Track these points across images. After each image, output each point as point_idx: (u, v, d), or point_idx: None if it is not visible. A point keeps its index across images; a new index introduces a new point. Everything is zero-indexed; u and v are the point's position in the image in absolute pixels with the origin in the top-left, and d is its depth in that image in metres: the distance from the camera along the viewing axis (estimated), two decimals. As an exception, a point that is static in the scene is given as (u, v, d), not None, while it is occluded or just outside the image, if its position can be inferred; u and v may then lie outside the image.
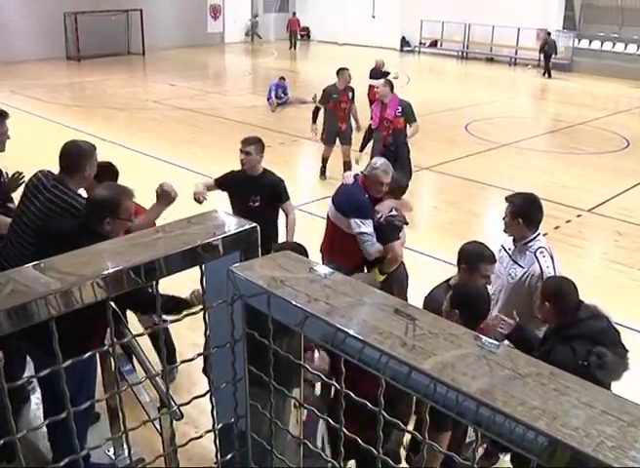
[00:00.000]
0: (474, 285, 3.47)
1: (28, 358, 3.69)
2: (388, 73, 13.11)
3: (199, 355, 1.07)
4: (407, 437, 3.28)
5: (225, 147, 5.13)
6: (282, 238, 4.98)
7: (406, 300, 1.80)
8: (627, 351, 3.26)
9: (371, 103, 11.15)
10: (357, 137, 9.22)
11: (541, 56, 21.85)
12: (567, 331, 3.30)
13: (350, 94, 9.43)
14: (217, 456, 1.15)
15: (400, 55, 26.47)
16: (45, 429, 3.34)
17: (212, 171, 5.45)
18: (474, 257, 3.58)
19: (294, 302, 0.86)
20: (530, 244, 3.94)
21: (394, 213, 4.74)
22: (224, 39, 29.46)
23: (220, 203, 5.16)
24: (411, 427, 1.24)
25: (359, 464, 3.08)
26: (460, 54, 26.19)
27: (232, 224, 1.06)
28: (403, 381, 0.74)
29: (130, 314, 4.24)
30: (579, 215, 8.76)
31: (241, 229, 1.04)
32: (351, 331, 0.79)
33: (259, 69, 23.41)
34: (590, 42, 22.85)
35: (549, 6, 23.24)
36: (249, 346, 1.00)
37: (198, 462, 3.06)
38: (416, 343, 0.76)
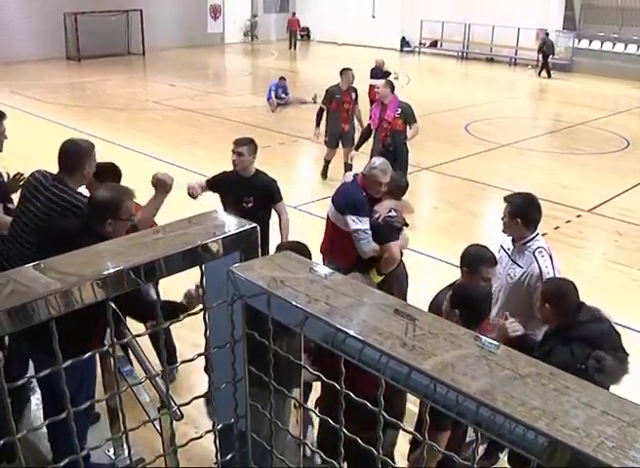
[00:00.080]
0: (475, 285, 3.47)
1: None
2: (389, 73, 13.11)
3: (199, 355, 1.07)
4: (401, 436, 3.28)
5: (226, 148, 5.12)
6: (273, 239, 4.94)
7: (405, 301, 1.80)
8: (628, 355, 3.25)
9: (371, 103, 11.13)
10: (359, 138, 9.21)
11: (539, 56, 21.86)
12: (567, 333, 3.30)
13: (353, 94, 9.38)
14: (217, 457, 1.15)
15: (400, 55, 26.47)
16: (45, 429, 3.34)
17: (212, 171, 5.44)
18: (475, 260, 3.59)
19: (294, 303, 0.86)
20: (529, 244, 3.95)
21: (393, 214, 4.73)
22: (224, 39, 29.46)
23: (218, 202, 5.17)
24: (411, 427, 1.24)
25: (351, 465, 3.07)
26: (460, 54, 26.19)
27: (232, 224, 1.06)
28: (403, 382, 0.74)
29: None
30: (579, 216, 8.76)
31: (241, 229, 1.04)
32: (351, 332, 0.79)
33: (259, 69, 23.42)
34: (590, 42, 22.85)
35: (549, 6, 23.24)
36: (249, 346, 1.00)
37: (198, 462, 3.06)
38: (416, 343, 0.76)
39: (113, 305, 3.30)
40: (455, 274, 3.93)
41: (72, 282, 0.88)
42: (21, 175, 4.32)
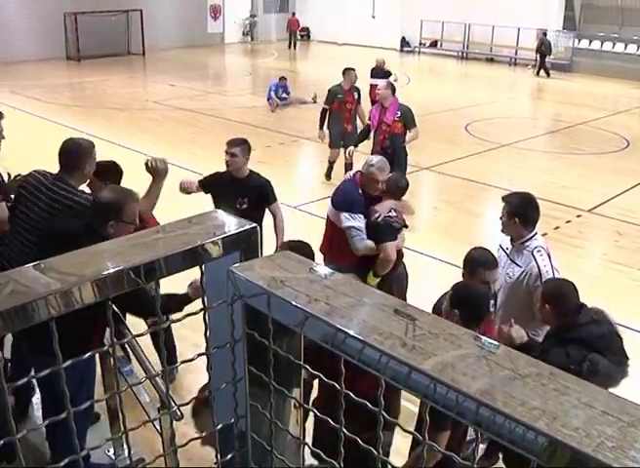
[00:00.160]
0: (474, 285, 3.47)
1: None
2: (390, 72, 13.10)
3: (199, 355, 1.07)
4: (402, 437, 3.28)
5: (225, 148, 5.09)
6: (267, 239, 4.93)
7: (405, 301, 1.80)
8: (628, 359, 3.25)
9: (372, 102, 11.12)
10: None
11: (537, 56, 21.86)
12: (565, 334, 3.30)
13: (356, 94, 9.31)
14: (217, 457, 1.15)
15: (400, 55, 26.47)
16: (44, 429, 3.34)
17: (212, 171, 5.43)
18: (474, 262, 3.60)
19: (294, 303, 0.86)
20: (527, 243, 3.96)
21: (393, 214, 4.72)
22: (224, 39, 29.46)
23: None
24: (411, 427, 1.24)
25: (347, 465, 3.06)
26: (459, 54, 26.19)
27: (232, 224, 1.06)
28: (403, 382, 0.74)
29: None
30: (579, 216, 8.76)
31: (241, 229, 1.04)
32: (351, 332, 0.79)
33: (258, 69, 23.42)
34: (590, 42, 22.85)
35: (549, 6, 23.24)
36: (249, 346, 1.00)
37: (198, 462, 3.06)
38: (416, 343, 0.76)
39: (115, 307, 3.32)
40: (455, 274, 3.94)
41: (72, 282, 0.88)
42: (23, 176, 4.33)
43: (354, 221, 4.65)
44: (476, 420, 0.68)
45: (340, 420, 0.92)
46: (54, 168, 3.87)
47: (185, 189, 5.02)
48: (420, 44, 27.37)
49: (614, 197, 9.49)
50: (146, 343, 3.95)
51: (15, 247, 3.73)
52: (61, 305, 0.86)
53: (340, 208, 4.75)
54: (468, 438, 3.13)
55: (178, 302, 3.18)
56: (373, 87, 12.16)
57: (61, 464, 0.96)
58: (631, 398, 0.68)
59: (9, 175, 4.46)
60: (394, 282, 4.82)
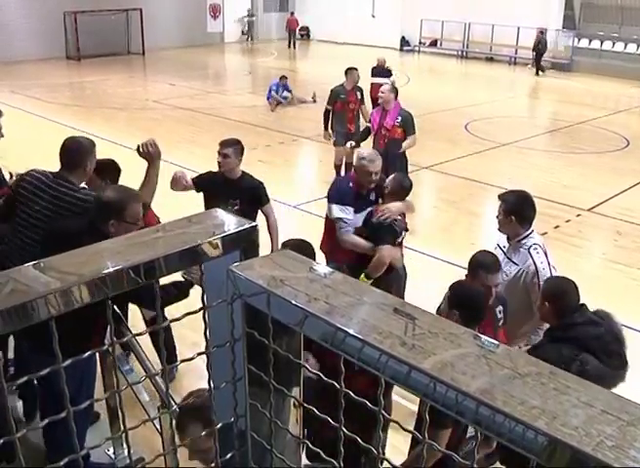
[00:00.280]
0: (471, 284, 3.48)
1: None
2: (391, 71, 13.10)
3: (199, 354, 1.07)
4: (402, 436, 3.28)
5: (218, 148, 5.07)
6: (260, 241, 4.90)
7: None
8: (626, 364, 3.25)
9: (373, 101, 11.08)
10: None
11: (534, 54, 21.88)
12: (561, 333, 3.31)
13: (359, 94, 9.23)
14: (216, 456, 1.15)
15: (400, 54, 26.48)
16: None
17: (212, 170, 5.43)
18: (476, 265, 3.60)
19: (293, 302, 0.86)
20: (523, 241, 3.98)
21: (399, 217, 4.71)
22: (224, 39, 29.46)
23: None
24: (410, 426, 1.24)
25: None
26: (459, 53, 26.20)
27: (232, 224, 1.06)
28: (403, 380, 0.74)
29: (131, 313, 4.25)
30: (578, 215, 8.77)
31: (241, 228, 1.04)
32: (351, 331, 0.79)
33: (258, 69, 23.42)
34: (590, 41, 22.86)
35: (549, 5, 23.24)
36: (248, 345, 1.00)
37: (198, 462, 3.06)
38: (415, 343, 0.76)
39: (116, 306, 3.30)
40: (455, 274, 3.94)
41: (72, 281, 0.88)
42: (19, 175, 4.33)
43: (342, 213, 4.71)
44: (476, 419, 0.68)
45: (339, 419, 0.92)
46: (53, 167, 3.87)
47: (178, 179, 4.92)
48: (420, 43, 27.38)
49: (613, 196, 9.49)
50: (146, 342, 3.95)
51: (15, 245, 3.73)
52: (61, 304, 0.86)
53: (331, 199, 4.83)
54: (468, 435, 3.14)
55: (180, 287, 3.20)
56: (374, 86, 12.16)
57: (61, 463, 0.96)
58: (631, 397, 0.68)
59: (10, 175, 4.46)
60: (393, 282, 4.82)
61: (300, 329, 0.87)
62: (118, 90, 17.64)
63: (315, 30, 30.53)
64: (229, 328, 1.00)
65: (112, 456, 3.93)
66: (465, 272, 3.70)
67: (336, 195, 4.83)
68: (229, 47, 28.82)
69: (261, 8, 30.54)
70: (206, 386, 1.10)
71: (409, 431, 0.92)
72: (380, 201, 4.87)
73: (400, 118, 7.61)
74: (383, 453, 0.94)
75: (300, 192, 9.30)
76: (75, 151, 3.77)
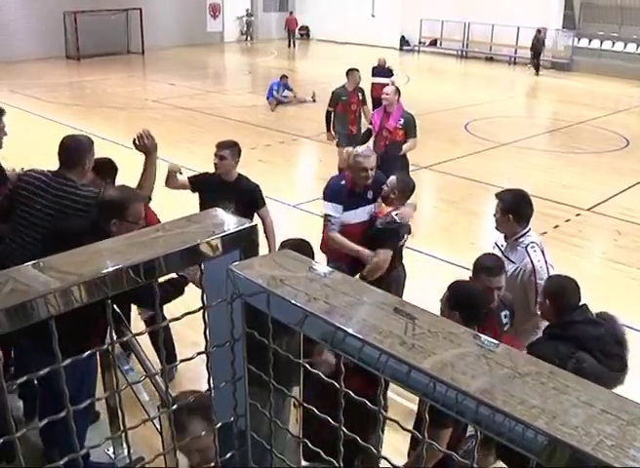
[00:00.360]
0: (469, 283, 3.48)
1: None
2: (392, 70, 13.10)
3: (199, 354, 1.07)
4: (401, 436, 3.27)
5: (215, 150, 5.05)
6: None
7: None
8: (626, 367, 3.25)
9: (373, 101, 11.06)
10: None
11: (531, 53, 21.89)
12: (559, 330, 3.31)
13: (360, 95, 9.17)
14: (216, 456, 1.15)
15: (400, 54, 26.47)
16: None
17: (211, 170, 5.42)
18: (477, 267, 3.60)
19: (293, 301, 0.85)
20: (521, 239, 3.99)
21: (404, 221, 4.70)
22: (224, 38, 29.46)
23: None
24: (410, 425, 1.24)
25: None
26: (459, 53, 26.19)
27: (232, 223, 1.06)
28: (402, 380, 0.74)
29: (132, 313, 4.25)
30: (578, 215, 8.77)
31: (241, 228, 1.04)
32: (351, 330, 0.79)
33: (258, 68, 23.41)
34: (590, 41, 22.86)
35: (549, 5, 23.25)
36: (248, 345, 1.00)
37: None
38: (415, 342, 0.76)
39: (116, 305, 3.29)
40: (454, 274, 3.94)
41: (72, 281, 0.88)
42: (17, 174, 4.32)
43: (331, 211, 4.79)
44: (476, 419, 0.68)
45: (339, 419, 0.92)
46: (53, 166, 3.88)
47: (172, 169, 4.89)
48: (420, 43, 27.38)
49: (613, 196, 9.49)
50: (146, 342, 3.95)
51: (17, 245, 3.72)
52: (61, 304, 0.86)
53: (323, 197, 4.92)
54: (468, 434, 3.14)
55: (176, 284, 3.21)
56: (374, 86, 12.16)
57: (61, 463, 0.96)
58: (631, 397, 0.68)
59: (13, 170, 4.45)
60: (393, 282, 4.82)
61: (299, 328, 0.86)
62: (118, 89, 17.64)
63: (315, 30, 30.52)
64: (229, 327, 1.00)
65: (112, 456, 3.93)
66: (465, 272, 3.70)
67: (327, 193, 4.92)
68: (229, 46, 28.81)
69: (261, 7, 30.53)
70: (205, 386, 1.11)
71: (409, 430, 0.92)
72: (380, 201, 4.88)
73: (402, 120, 7.52)
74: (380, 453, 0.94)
75: (299, 192, 9.30)
76: (74, 149, 3.79)
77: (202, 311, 1.04)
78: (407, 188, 4.81)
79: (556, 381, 0.69)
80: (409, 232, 4.86)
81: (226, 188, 4.84)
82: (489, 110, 15.41)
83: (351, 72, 9.14)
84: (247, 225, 1.04)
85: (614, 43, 22.33)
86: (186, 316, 1.06)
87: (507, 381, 0.69)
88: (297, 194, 9.07)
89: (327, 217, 4.82)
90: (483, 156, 11.54)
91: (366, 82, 10.95)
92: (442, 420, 2.73)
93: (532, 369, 0.71)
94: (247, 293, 0.93)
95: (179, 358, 3.93)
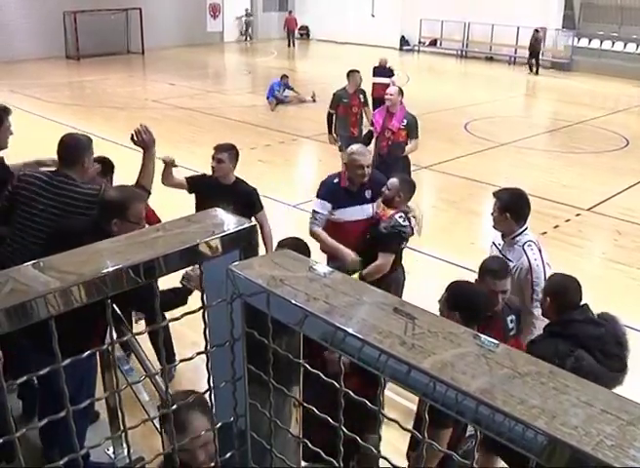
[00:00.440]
0: (468, 283, 3.48)
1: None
2: (393, 70, 13.10)
3: (199, 354, 1.07)
4: (400, 436, 3.27)
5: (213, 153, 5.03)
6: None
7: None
8: (626, 367, 3.25)
9: (374, 101, 11.03)
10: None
11: (529, 52, 21.92)
12: (559, 328, 3.32)
13: (362, 96, 9.09)
14: (216, 455, 1.15)
15: (399, 54, 26.48)
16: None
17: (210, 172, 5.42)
18: (482, 270, 3.61)
19: (293, 301, 0.85)
20: (518, 238, 4.01)
21: (407, 224, 4.70)
22: (224, 38, 29.47)
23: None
24: (409, 425, 1.24)
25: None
26: (459, 53, 26.20)
27: (231, 223, 1.06)
28: (402, 380, 0.74)
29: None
30: (578, 215, 8.77)
31: (240, 228, 1.04)
32: (351, 330, 0.79)
33: (258, 68, 23.42)
34: (590, 41, 22.86)
35: (549, 5, 23.25)
36: (248, 345, 1.00)
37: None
38: (415, 342, 0.76)
39: (118, 307, 3.30)
40: (454, 273, 3.94)
41: (72, 280, 0.88)
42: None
43: (318, 207, 4.89)
44: (475, 419, 0.68)
45: (339, 419, 0.92)
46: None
47: (166, 160, 4.82)
48: (420, 43, 27.38)
49: (613, 196, 9.49)
50: (146, 342, 3.96)
51: (20, 246, 3.71)
52: (61, 304, 0.86)
53: (316, 193, 5.00)
54: (468, 433, 3.14)
55: (178, 294, 3.21)
56: (375, 86, 12.16)
57: (61, 463, 0.96)
58: (631, 397, 0.68)
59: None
60: (392, 283, 4.82)
61: (299, 328, 0.86)
62: (118, 89, 17.64)
63: (315, 30, 30.53)
64: (229, 327, 1.00)
65: (112, 456, 3.93)
66: (465, 272, 3.71)
67: (319, 190, 5.00)
68: (229, 46, 28.81)
69: (261, 7, 30.54)
70: (205, 386, 1.11)
71: (408, 430, 0.92)
72: (380, 202, 4.88)
73: (406, 121, 7.47)
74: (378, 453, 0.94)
75: (299, 192, 9.29)
76: (73, 147, 3.80)
77: (202, 311, 1.04)
78: (411, 189, 4.82)
79: (556, 381, 0.69)
80: (412, 233, 4.86)
81: (224, 191, 4.77)
82: (489, 110, 15.41)
83: (352, 74, 9.07)
84: (246, 225, 1.04)
85: (614, 43, 22.34)
86: (186, 316, 1.06)
87: (507, 381, 0.69)
88: (296, 194, 9.06)
89: (313, 213, 4.91)
90: (483, 156, 11.55)
91: (367, 82, 10.96)
92: (442, 420, 2.73)
93: (532, 368, 0.71)
94: (247, 293, 0.93)
95: (178, 358, 3.93)
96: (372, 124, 7.99)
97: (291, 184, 9.84)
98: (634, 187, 9.90)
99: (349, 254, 4.69)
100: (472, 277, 3.79)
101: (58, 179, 3.69)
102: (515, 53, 24.42)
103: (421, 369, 0.72)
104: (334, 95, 9.09)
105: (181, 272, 3.31)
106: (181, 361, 1.13)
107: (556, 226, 8.16)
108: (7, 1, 22.20)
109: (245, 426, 1.08)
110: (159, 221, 4.72)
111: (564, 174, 10.56)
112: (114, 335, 1.18)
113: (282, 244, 3.82)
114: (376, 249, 4.64)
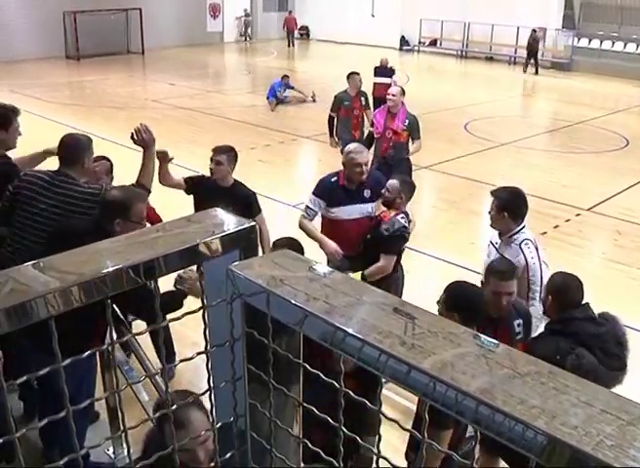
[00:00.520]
0: (465, 283, 3.49)
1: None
2: (394, 70, 13.11)
3: (199, 354, 1.07)
4: (399, 436, 3.27)
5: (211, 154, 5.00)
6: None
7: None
8: (625, 367, 3.26)
9: (375, 100, 11.01)
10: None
11: (527, 52, 21.93)
12: (560, 326, 3.33)
13: (363, 99, 9.01)
14: (216, 455, 1.15)
15: (399, 54, 26.47)
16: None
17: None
18: (488, 271, 3.60)
19: (293, 301, 0.85)
20: (515, 236, 4.02)
21: (407, 224, 4.70)
22: (224, 38, 29.47)
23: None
24: (408, 425, 1.24)
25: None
26: (459, 53, 26.20)
27: (231, 223, 1.06)
28: (402, 380, 0.74)
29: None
30: (578, 215, 8.77)
31: (240, 228, 1.04)
32: (350, 330, 0.79)
33: (258, 68, 23.42)
34: (590, 41, 22.86)
35: (549, 5, 23.25)
36: (248, 345, 1.00)
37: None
38: (415, 342, 0.76)
39: (118, 308, 3.30)
40: (454, 273, 3.94)
41: (72, 280, 0.88)
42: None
43: (311, 203, 4.99)
44: (475, 419, 0.68)
45: (339, 419, 0.92)
46: (53, 166, 3.89)
47: (161, 155, 4.69)
48: (420, 43, 27.38)
49: (613, 196, 9.49)
50: (146, 342, 3.96)
51: (20, 245, 3.71)
52: (61, 304, 0.86)
53: (313, 190, 5.09)
54: (468, 434, 3.14)
55: (173, 297, 3.21)
56: (376, 85, 12.16)
57: (61, 463, 0.96)
58: (631, 397, 0.68)
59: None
60: (392, 283, 4.83)
61: (299, 328, 0.86)
62: (118, 89, 17.64)
63: (315, 30, 30.52)
64: (229, 327, 1.00)
65: (112, 456, 3.93)
66: (465, 272, 3.72)
67: (315, 187, 5.06)
68: (229, 46, 28.81)
69: (261, 7, 30.53)
70: (205, 386, 1.11)
71: (408, 430, 0.92)
72: (379, 203, 4.88)
73: (407, 122, 7.40)
74: (372, 461, 0.94)
75: (299, 192, 9.28)
76: (73, 147, 3.82)
77: (202, 311, 1.04)
78: (411, 190, 4.83)
79: (556, 381, 0.69)
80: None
81: (222, 194, 4.67)
82: (489, 110, 15.41)
83: (351, 76, 8.97)
84: (246, 225, 1.04)
85: (613, 43, 22.34)
86: (186, 316, 1.06)
87: (507, 381, 0.69)
88: (296, 194, 9.05)
89: (305, 208, 5.02)
90: (483, 156, 11.55)
91: (368, 82, 10.96)
92: (443, 421, 2.73)
93: (531, 368, 0.71)
94: (247, 293, 0.93)
95: (178, 358, 3.94)
96: (372, 125, 7.89)
97: (291, 184, 9.84)
98: (634, 187, 9.90)
99: (331, 246, 4.79)
100: (472, 277, 3.80)
101: (59, 179, 3.70)
102: (515, 53, 24.42)
103: (421, 369, 0.72)
104: (335, 97, 9.01)
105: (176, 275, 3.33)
106: (181, 361, 1.13)
107: (556, 226, 8.16)
108: (7, 1, 22.20)
109: (245, 426, 1.08)
110: (160, 220, 4.73)
111: (564, 174, 10.56)
112: (114, 335, 1.18)
113: (276, 244, 3.84)
114: (376, 250, 4.64)
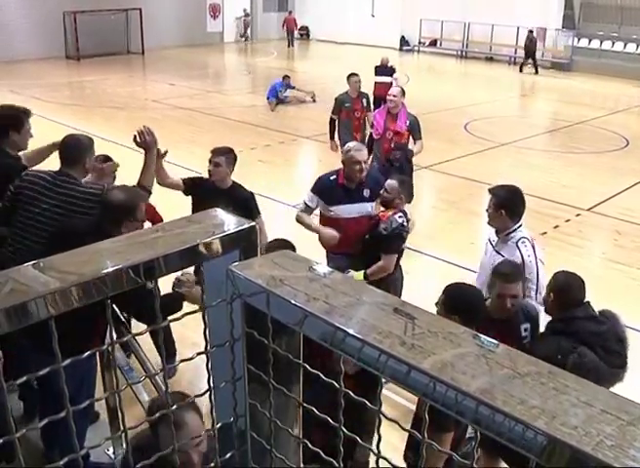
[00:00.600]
0: (464, 284, 3.48)
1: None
2: (394, 69, 13.11)
3: (199, 354, 1.07)
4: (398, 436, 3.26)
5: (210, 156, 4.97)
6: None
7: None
8: (626, 365, 3.26)
9: (375, 99, 10.99)
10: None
11: (525, 52, 21.95)
12: (561, 325, 3.33)
13: (364, 100, 8.91)
14: (216, 455, 1.15)
15: (399, 54, 26.46)
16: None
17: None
18: (494, 273, 3.60)
19: (293, 301, 0.85)
20: (512, 235, 4.03)
21: (406, 224, 4.70)
22: (224, 38, 29.47)
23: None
24: (407, 425, 1.24)
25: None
26: (459, 53, 26.20)
27: (231, 223, 1.06)
28: (402, 380, 0.74)
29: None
30: (578, 215, 8.77)
31: (240, 228, 1.04)
32: (350, 331, 0.79)
33: (258, 68, 23.41)
34: (590, 41, 22.86)
35: (549, 5, 23.25)
36: (248, 345, 1.00)
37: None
38: (415, 342, 0.76)
39: (118, 309, 3.30)
40: (454, 274, 3.94)
41: (72, 281, 0.88)
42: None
43: (307, 199, 5.05)
44: (475, 419, 0.68)
45: (339, 419, 0.92)
46: (53, 166, 3.90)
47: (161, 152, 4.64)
48: (420, 43, 27.38)
49: (613, 196, 9.49)
50: (146, 342, 3.95)
51: (22, 245, 3.71)
52: (61, 304, 0.86)
53: (311, 187, 5.13)
54: (467, 435, 3.14)
55: (173, 301, 3.22)
56: (377, 85, 12.16)
57: (61, 463, 0.96)
58: (631, 397, 0.68)
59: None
60: (391, 284, 4.83)
61: (299, 328, 0.86)
62: (118, 89, 17.64)
63: (315, 30, 30.52)
64: (229, 327, 1.00)
65: (112, 456, 3.93)
66: (465, 272, 3.72)
67: (314, 184, 5.10)
68: (229, 46, 28.81)
69: (261, 7, 30.53)
70: (205, 386, 1.11)
71: (408, 431, 0.92)
72: (377, 203, 4.89)
73: (408, 122, 7.33)
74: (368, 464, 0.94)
75: (299, 192, 9.26)
76: (74, 147, 3.84)
77: (202, 311, 1.04)
78: (410, 190, 4.85)
79: (556, 381, 0.69)
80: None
81: (220, 195, 4.59)
82: (489, 110, 15.41)
83: (350, 77, 8.88)
84: (246, 225, 1.04)
85: (613, 43, 22.34)
86: (186, 316, 1.06)
87: (507, 381, 0.69)
88: (296, 194, 9.02)
89: (303, 204, 5.10)
90: (483, 156, 11.55)
91: (369, 82, 10.96)
92: (443, 423, 2.73)
93: (531, 369, 0.71)
94: (247, 293, 0.93)
95: (179, 358, 3.94)
96: (371, 126, 7.81)
97: (290, 184, 9.83)
98: (634, 187, 9.90)
99: (328, 232, 4.85)
100: (472, 277, 3.80)
101: (60, 179, 3.71)
102: (515, 53, 24.40)
103: (421, 369, 0.72)
104: (336, 99, 8.89)
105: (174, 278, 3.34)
106: (182, 361, 1.13)
107: (556, 226, 8.16)
108: (7, 1, 22.19)
109: (245, 426, 1.08)
110: (161, 219, 4.74)
111: (564, 174, 10.56)
112: (114, 335, 1.18)
113: (269, 246, 3.82)
114: (376, 249, 4.64)
